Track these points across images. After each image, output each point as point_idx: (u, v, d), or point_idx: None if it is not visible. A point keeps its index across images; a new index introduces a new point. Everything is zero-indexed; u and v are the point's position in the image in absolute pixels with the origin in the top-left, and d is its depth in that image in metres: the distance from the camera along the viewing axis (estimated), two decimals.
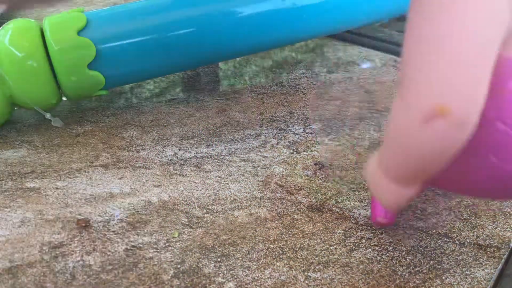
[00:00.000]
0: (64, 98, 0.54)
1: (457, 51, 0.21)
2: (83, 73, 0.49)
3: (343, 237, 0.37)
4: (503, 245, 0.36)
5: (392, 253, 0.36)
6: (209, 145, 0.48)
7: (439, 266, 0.35)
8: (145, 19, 0.51)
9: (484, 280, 0.34)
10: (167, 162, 0.45)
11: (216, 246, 0.36)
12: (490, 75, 0.22)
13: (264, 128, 0.50)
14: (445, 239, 0.37)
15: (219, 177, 0.43)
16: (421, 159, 0.25)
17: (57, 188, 0.42)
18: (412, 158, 0.26)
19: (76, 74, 0.49)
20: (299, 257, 0.35)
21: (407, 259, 0.35)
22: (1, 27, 0.50)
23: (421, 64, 0.22)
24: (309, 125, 0.50)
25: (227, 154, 0.46)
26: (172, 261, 0.35)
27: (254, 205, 0.40)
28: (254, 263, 0.35)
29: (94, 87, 0.50)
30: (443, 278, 0.34)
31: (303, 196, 0.41)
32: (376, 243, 0.36)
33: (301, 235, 0.37)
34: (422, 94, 0.23)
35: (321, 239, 0.37)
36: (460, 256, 0.35)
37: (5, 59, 0.47)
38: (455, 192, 0.34)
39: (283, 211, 0.40)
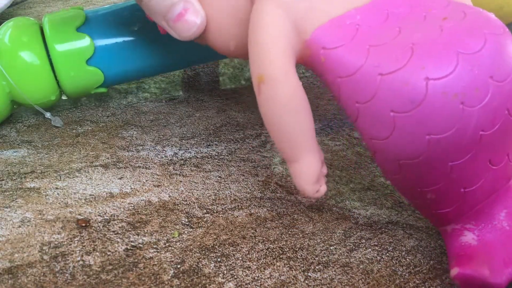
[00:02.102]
0: (64, 97, 0.54)
1: (257, 41, 0.32)
2: (82, 68, 0.49)
3: (343, 237, 0.37)
4: None
5: (392, 253, 0.36)
6: (209, 145, 0.48)
7: (439, 266, 0.35)
8: (144, 16, 0.51)
9: None
10: (167, 162, 0.45)
11: (216, 246, 0.36)
12: (285, 46, 0.31)
13: (264, 128, 0.50)
14: None
15: (219, 177, 0.43)
16: (274, 122, 0.32)
17: (57, 188, 0.42)
18: (270, 125, 0.32)
19: (75, 70, 0.49)
20: (299, 257, 0.35)
21: (407, 259, 0.35)
22: (1, 25, 0.50)
23: (250, 57, 0.32)
24: None
25: (227, 154, 0.46)
26: (172, 261, 0.35)
27: (254, 205, 0.40)
28: (254, 263, 0.35)
29: (93, 83, 0.50)
30: (443, 278, 0.34)
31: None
32: (376, 243, 0.36)
33: (301, 235, 0.37)
34: (253, 75, 0.32)
35: (321, 239, 0.37)
36: None
37: (4, 56, 0.48)
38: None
39: (283, 211, 0.40)
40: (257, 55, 0.32)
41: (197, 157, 0.46)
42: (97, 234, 0.38)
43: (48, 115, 0.51)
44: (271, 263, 0.35)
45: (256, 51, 0.32)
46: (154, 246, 0.36)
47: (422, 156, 0.29)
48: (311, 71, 0.34)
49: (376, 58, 0.29)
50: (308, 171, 0.33)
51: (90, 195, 0.41)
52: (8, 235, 0.38)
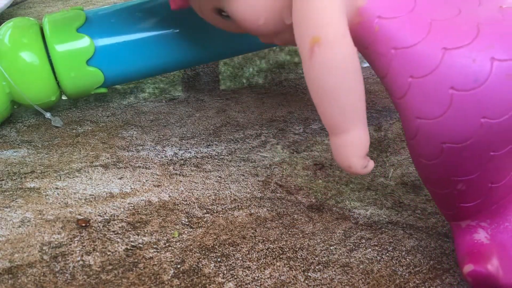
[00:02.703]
0: (64, 97, 0.54)
1: (312, 5, 0.30)
2: (82, 69, 0.49)
3: (343, 237, 0.37)
4: None
5: (392, 253, 0.36)
6: (209, 145, 0.48)
7: (439, 266, 0.35)
8: (144, 16, 0.51)
9: None
10: (167, 162, 0.45)
11: (216, 246, 0.36)
12: (342, 11, 0.29)
13: (264, 128, 0.50)
14: (445, 239, 0.37)
15: (219, 177, 0.43)
16: (328, 88, 0.29)
17: (57, 188, 0.42)
18: (323, 91, 0.30)
19: (75, 70, 0.49)
20: (299, 257, 0.35)
21: (407, 259, 0.35)
22: (1, 26, 0.50)
23: (297, 24, 0.31)
24: (309, 125, 0.50)
25: (227, 154, 0.46)
26: (172, 261, 0.35)
27: (254, 205, 0.40)
28: (254, 263, 0.35)
29: (93, 84, 0.50)
30: (443, 278, 0.34)
31: (303, 196, 0.41)
32: (376, 243, 0.36)
33: (301, 235, 0.37)
34: (302, 39, 0.30)
35: (321, 239, 0.37)
36: None
37: (4, 56, 0.48)
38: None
39: (283, 211, 0.40)
40: (311, 16, 0.29)
41: (197, 157, 0.46)
42: (97, 234, 0.38)
43: (48, 115, 0.51)
44: (271, 263, 0.35)
45: (309, 11, 0.29)
46: (154, 246, 0.36)
47: (470, 140, 0.28)
48: (356, 41, 0.32)
49: (439, 32, 0.28)
50: (359, 143, 0.31)
51: (90, 195, 0.41)
52: (8, 235, 0.38)
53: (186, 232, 0.38)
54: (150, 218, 0.39)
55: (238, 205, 0.40)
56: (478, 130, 0.28)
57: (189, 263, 0.35)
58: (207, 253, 0.36)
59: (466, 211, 0.32)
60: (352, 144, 0.30)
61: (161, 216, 0.39)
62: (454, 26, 0.28)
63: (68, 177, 0.44)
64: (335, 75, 0.29)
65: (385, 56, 0.30)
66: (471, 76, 0.27)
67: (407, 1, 0.30)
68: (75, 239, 0.37)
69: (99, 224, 0.38)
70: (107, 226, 0.38)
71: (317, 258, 0.35)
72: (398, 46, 0.29)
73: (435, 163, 0.30)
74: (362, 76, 0.30)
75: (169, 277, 0.34)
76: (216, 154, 0.46)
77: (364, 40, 0.31)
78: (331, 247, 0.36)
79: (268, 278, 0.34)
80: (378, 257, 0.35)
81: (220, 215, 0.39)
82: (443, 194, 0.32)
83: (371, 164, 0.31)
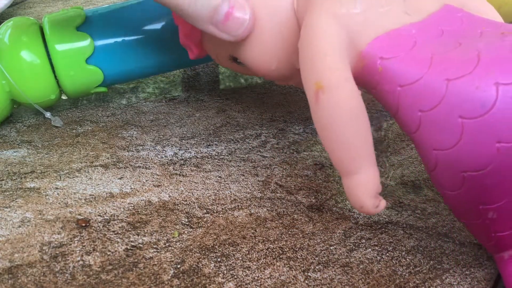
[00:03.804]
0: (64, 97, 0.54)
1: (312, 50, 0.31)
2: (82, 67, 0.49)
3: (343, 237, 0.37)
4: None
5: (392, 253, 0.36)
6: (209, 145, 0.48)
7: (439, 266, 0.35)
8: (144, 15, 0.51)
9: (484, 280, 0.34)
10: (167, 162, 0.45)
11: (216, 246, 0.36)
12: (341, 55, 0.31)
13: (264, 128, 0.50)
14: (445, 239, 0.37)
15: (219, 177, 0.43)
16: (335, 131, 0.30)
17: (57, 188, 0.42)
18: (330, 135, 0.31)
19: (74, 69, 0.49)
20: (299, 257, 0.35)
21: (407, 259, 0.35)
22: (1, 25, 0.50)
23: (302, 67, 0.32)
24: (309, 125, 0.50)
25: (227, 154, 0.46)
26: (172, 261, 0.35)
27: (254, 205, 0.40)
28: (254, 263, 0.35)
29: (93, 83, 0.50)
30: (443, 278, 0.34)
31: (303, 196, 0.41)
32: (376, 243, 0.36)
33: (301, 235, 0.37)
34: (308, 84, 0.31)
35: (321, 239, 0.37)
36: (460, 256, 0.35)
37: (4, 55, 0.48)
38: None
39: (283, 211, 0.40)
40: (313, 62, 0.30)
41: (197, 157, 0.46)
42: (97, 234, 0.38)
43: (48, 115, 0.51)
44: (271, 263, 0.35)
45: (312, 58, 0.31)
46: (154, 246, 0.36)
47: (489, 166, 0.28)
48: (362, 86, 0.33)
49: (441, 64, 0.29)
50: (369, 183, 0.31)
51: (90, 195, 0.41)
52: (8, 235, 0.38)
53: (186, 232, 0.38)
54: (150, 218, 0.39)
55: (238, 205, 0.40)
56: (495, 155, 0.27)
57: (189, 263, 0.35)
58: (207, 253, 0.36)
59: (505, 240, 0.31)
60: (363, 185, 0.31)
61: (161, 216, 0.39)
62: (454, 58, 0.29)
63: (68, 177, 0.44)
64: (341, 119, 0.30)
65: (392, 94, 0.30)
66: (477, 103, 0.27)
67: (407, 40, 0.31)
68: (75, 239, 0.37)
69: (99, 224, 0.38)
70: (107, 226, 0.38)
71: (317, 258, 0.35)
72: (403, 83, 0.30)
73: (460, 193, 0.30)
74: (368, 117, 0.31)
75: (169, 277, 0.34)
76: (216, 154, 0.46)
77: (371, 82, 0.31)
78: (331, 247, 0.36)
79: (268, 278, 0.34)
80: (378, 257, 0.35)
81: (220, 215, 0.39)
82: (477, 225, 0.32)
83: (382, 204, 0.32)
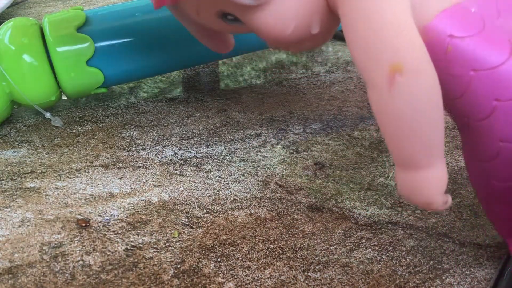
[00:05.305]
0: (64, 97, 0.54)
1: (386, 24, 0.26)
2: (82, 69, 0.49)
3: (343, 237, 0.37)
4: (503, 245, 0.36)
5: (392, 253, 0.36)
6: (209, 145, 0.48)
7: (439, 266, 0.35)
8: (144, 16, 0.51)
9: (484, 280, 0.34)
10: (167, 162, 0.45)
11: (216, 246, 0.36)
12: (416, 30, 0.26)
13: (264, 128, 0.50)
14: (445, 239, 0.37)
15: (219, 177, 0.43)
16: (412, 121, 0.26)
17: (57, 188, 0.42)
18: (406, 124, 0.26)
19: (75, 70, 0.49)
20: (299, 257, 0.35)
21: (407, 259, 0.35)
22: (1, 26, 0.50)
23: (365, 46, 0.26)
24: (309, 125, 0.50)
25: (227, 154, 0.46)
26: (172, 261, 0.35)
27: (254, 205, 0.40)
28: (254, 263, 0.35)
29: (93, 84, 0.50)
30: (443, 278, 0.34)
31: (303, 196, 0.41)
32: (376, 243, 0.36)
33: (301, 235, 0.37)
34: (377, 66, 0.26)
35: (321, 239, 0.37)
36: (460, 256, 0.35)
37: (4, 56, 0.48)
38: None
39: (283, 211, 0.40)
40: (383, 38, 0.25)
41: (197, 157, 0.46)
42: (97, 234, 0.38)
43: (48, 115, 0.51)
44: (271, 263, 0.35)
45: (380, 32, 0.25)
46: (154, 246, 0.36)
47: None
48: None
49: None
50: (442, 178, 0.28)
51: (90, 195, 0.41)
52: (8, 235, 0.38)
53: (186, 232, 0.38)
54: (150, 218, 0.39)
55: (238, 205, 0.40)
56: None
57: (189, 263, 0.35)
58: (207, 253, 0.36)
59: None
60: (435, 181, 0.28)
61: (161, 216, 0.39)
62: None
63: (68, 177, 0.44)
64: (421, 108, 0.26)
65: (461, 78, 0.27)
66: None
67: (474, 19, 0.28)
68: (75, 239, 0.37)
69: (99, 224, 0.38)
70: (107, 226, 0.38)
71: (317, 258, 0.35)
72: (478, 68, 0.27)
73: (506, 185, 0.29)
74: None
75: (169, 277, 0.34)
76: (216, 154, 0.46)
77: (433, 60, 0.28)
78: (331, 247, 0.36)
79: (268, 278, 0.34)
80: (378, 257, 0.35)
81: (220, 215, 0.39)
82: (510, 215, 0.31)
83: (450, 199, 0.29)
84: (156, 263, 0.35)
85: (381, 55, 0.25)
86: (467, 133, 0.29)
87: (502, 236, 0.34)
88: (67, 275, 0.34)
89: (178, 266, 0.35)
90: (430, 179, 0.27)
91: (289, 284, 0.33)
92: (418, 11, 0.27)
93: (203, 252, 0.36)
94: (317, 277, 0.34)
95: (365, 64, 0.26)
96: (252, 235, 0.37)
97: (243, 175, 0.44)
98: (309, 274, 0.34)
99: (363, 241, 0.37)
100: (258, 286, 0.33)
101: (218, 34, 0.39)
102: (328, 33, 0.33)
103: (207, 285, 0.33)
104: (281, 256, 0.36)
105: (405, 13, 0.26)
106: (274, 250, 0.36)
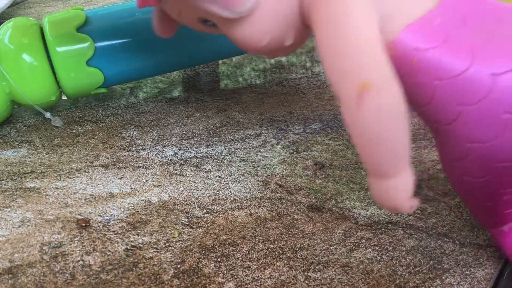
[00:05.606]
0: (64, 97, 0.54)
1: (353, 44, 0.27)
2: (82, 69, 0.49)
3: (343, 237, 0.37)
4: None
5: (392, 253, 0.36)
6: (209, 145, 0.48)
7: (439, 266, 0.35)
8: (144, 16, 0.51)
9: (484, 280, 0.34)
10: (167, 162, 0.45)
11: (216, 246, 0.36)
12: (383, 48, 0.27)
13: (264, 128, 0.50)
14: (445, 239, 0.37)
15: (219, 177, 0.43)
16: (380, 135, 0.28)
17: (57, 188, 0.42)
18: (374, 138, 0.28)
19: (75, 70, 0.49)
20: (299, 257, 0.35)
21: (407, 259, 0.35)
22: (1, 26, 0.50)
23: (335, 64, 0.28)
24: (309, 125, 0.50)
25: (227, 154, 0.46)
26: (172, 261, 0.35)
27: (254, 205, 0.40)
28: (254, 263, 0.35)
29: (93, 84, 0.50)
30: (443, 278, 0.34)
31: (303, 196, 0.41)
32: (376, 243, 0.36)
33: (301, 235, 0.37)
34: (346, 84, 0.27)
35: (321, 239, 0.37)
36: (460, 256, 0.35)
37: (4, 56, 0.48)
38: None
39: (283, 211, 0.40)
40: (354, 58, 0.27)
41: (197, 157, 0.46)
42: (97, 234, 0.38)
43: (48, 115, 0.51)
44: (271, 263, 0.35)
45: (350, 52, 0.27)
46: (154, 246, 0.36)
47: None
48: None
49: (484, 58, 0.28)
50: (408, 185, 0.29)
51: (90, 195, 0.41)
52: (8, 235, 0.38)
53: (186, 232, 0.38)
54: (150, 218, 0.39)
55: (238, 205, 0.40)
56: None
57: (189, 263, 0.35)
58: (207, 253, 0.36)
59: (508, 216, 0.32)
60: (401, 187, 0.29)
61: (161, 216, 0.39)
62: (495, 50, 0.28)
63: (68, 177, 0.44)
64: (388, 122, 0.27)
65: (426, 87, 0.29)
66: None
67: (439, 30, 0.29)
68: (75, 239, 0.37)
69: (99, 224, 0.38)
70: (107, 226, 0.38)
71: (317, 258, 0.35)
72: (442, 77, 0.28)
73: (486, 180, 0.30)
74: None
75: (169, 277, 0.34)
76: (216, 154, 0.46)
77: (398, 73, 0.29)
78: (331, 247, 0.36)
79: (268, 278, 0.34)
80: (378, 257, 0.35)
81: (220, 215, 0.39)
82: (486, 206, 0.32)
83: (416, 203, 0.30)
84: (156, 263, 0.35)
85: (350, 74, 0.27)
86: (438, 135, 0.31)
87: (487, 229, 0.36)
88: (67, 275, 0.34)
89: (178, 266, 0.35)
90: (397, 187, 0.29)
91: (289, 284, 0.33)
92: (385, 27, 0.28)
93: (203, 252, 0.36)
94: (317, 277, 0.34)
95: (335, 81, 0.28)
96: (252, 235, 0.37)
97: (243, 175, 0.44)
98: (309, 274, 0.34)
99: (363, 241, 0.37)
100: (258, 286, 0.33)
101: (171, 21, 0.39)
102: (300, 43, 0.35)
103: (207, 285, 0.33)
104: (281, 256, 0.36)
105: (372, 32, 0.27)
106: (274, 250, 0.36)
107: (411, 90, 0.29)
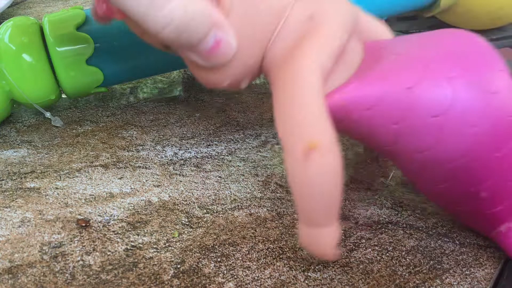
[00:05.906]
0: (63, 96, 0.54)
1: (303, 108, 0.30)
2: (82, 68, 0.49)
3: (343, 237, 0.37)
4: None
5: (392, 253, 0.36)
6: (209, 145, 0.48)
7: (439, 266, 0.35)
8: None
9: (484, 280, 0.34)
10: (167, 162, 0.45)
11: (216, 246, 0.36)
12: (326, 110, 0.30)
13: (264, 128, 0.50)
14: (445, 239, 0.37)
15: (219, 177, 0.43)
16: (320, 190, 0.30)
17: (57, 188, 0.42)
18: (314, 192, 0.30)
19: (74, 69, 0.49)
20: (299, 257, 0.35)
21: (407, 259, 0.35)
22: (1, 25, 0.50)
23: (285, 124, 0.31)
24: None
25: (227, 154, 0.46)
26: (172, 261, 0.35)
27: (254, 205, 0.40)
28: (254, 263, 0.35)
29: (93, 83, 0.50)
30: (443, 278, 0.34)
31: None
32: (376, 243, 0.36)
33: None
34: (294, 143, 0.30)
35: None
36: (460, 256, 0.35)
37: (4, 55, 0.48)
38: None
39: (283, 211, 0.40)
40: (304, 120, 0.30)
41: (197, 157, 0.46)
42: (97, 234, 0.38)
43: (48, 115, 0.51)
44: (271, 263, 0.35)
45: (302, 113, 0.30)
46: (154, 246, 0.36)
47: (471, 151, 0.30)
48: None
49: (395, 77, 0.31)
50: (335, 235, 0.32)
51: (90, 195, 0.41)
52: (8, 235, 0.38)
53: (186, 232, 0.38)
54: (150, 218, 0.39)
55: (238, 205, 0.40)
56: (471, 141, 0.30)
57: (189, 263, 0.35)
58: (207, 253, 0.36)
59: (499, 215, 0.33)
60: (330, 237, 0.32)
61: (161, 216, 0.39)
62: (400, 69, 0.32)
63: (68, 177, 0.44)
64: (330, 180, 0.30)
65: (360, 119, 0.32)
66: (442, 98, 0.30)
67: (355, 79, 0.32)
68: (75, 239, 0.37)
69: (99, 224, 0.38)
70: (107, 226, 0.38)
71: (317, 258, 0.35)
72: (368, 106, 0.31)
73: (453, 183, 0.32)
74: None
75: (169, 277, 0.34)
76: (216, 154, 0.46)
77: (336, 120, 0.32)
78: None
79: (268, 278, 0.34)
80: (378, 257, 0.35)
81: (220, 215, 0.39)
82: (470, 210, 0.34)
83: (338, 252, 0.33)
84: (156, 263, 0.35)
85: (300, 135, 0.30)
86: (395, 159, 0.34)
87: (487, 235, 0.36)
88: (67, 275, 0.34)
89: (178, 266, 0.35)
90: (326, 236, 0.32)
91: (289, 284, 0.33)
92: (329, 86, 0.32)
93: (203, 252, 0.36)
94: (317, 277, 0.34)
95: (284, 136, 0.30)
96: (252, 235, 0.37)
97: (243, 175, 0.44)
98: (309, 274, 0.34)
99: (363, 241, 0.37)
100: (258, 286, 0.33)
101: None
102: (251, 82, 0.38)
103: (207, 285, 0.33)
104: (281, 256, 0.36)
105: (320, 98, 0.30)
106: (274, 250, 0.36)
107: (351, 128, 0.32)
